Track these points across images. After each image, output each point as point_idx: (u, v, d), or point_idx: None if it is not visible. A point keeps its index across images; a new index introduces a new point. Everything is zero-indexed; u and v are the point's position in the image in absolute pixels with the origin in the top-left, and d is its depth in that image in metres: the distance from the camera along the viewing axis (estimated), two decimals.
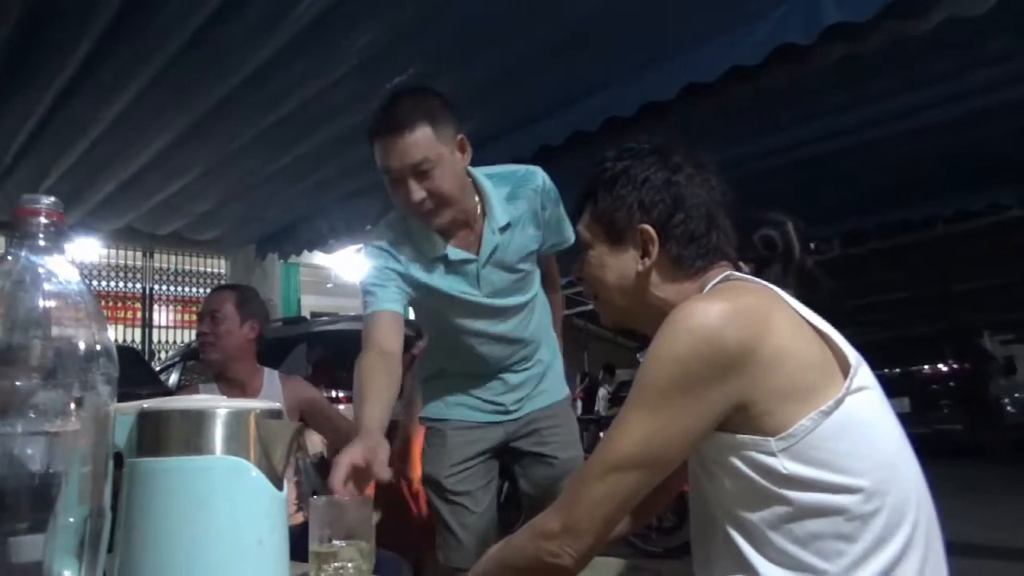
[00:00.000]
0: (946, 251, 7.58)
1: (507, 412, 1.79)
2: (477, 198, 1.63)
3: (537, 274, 1.80)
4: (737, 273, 0.97)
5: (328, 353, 4.62)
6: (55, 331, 0.47)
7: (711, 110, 3.63)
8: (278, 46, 3.14)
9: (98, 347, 0.48)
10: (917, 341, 9.27)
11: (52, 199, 0.50)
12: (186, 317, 7.86)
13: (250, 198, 5.20)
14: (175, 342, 7.71)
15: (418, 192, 1.47)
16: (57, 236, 0.49)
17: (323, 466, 2.89)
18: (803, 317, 0.89)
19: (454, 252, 1.62)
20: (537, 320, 1.81)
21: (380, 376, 1.47)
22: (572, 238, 1.76)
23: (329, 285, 9.05)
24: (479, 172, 1.66)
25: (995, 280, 9.61)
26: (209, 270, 7.82)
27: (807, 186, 5.20)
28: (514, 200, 1.66)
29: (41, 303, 0.47)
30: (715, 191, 1.00)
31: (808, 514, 0.81)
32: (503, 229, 1.63)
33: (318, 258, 7.60)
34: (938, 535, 0.87)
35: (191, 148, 4.25)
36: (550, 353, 1.87)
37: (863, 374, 0.87)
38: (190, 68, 3.35)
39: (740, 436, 0.84)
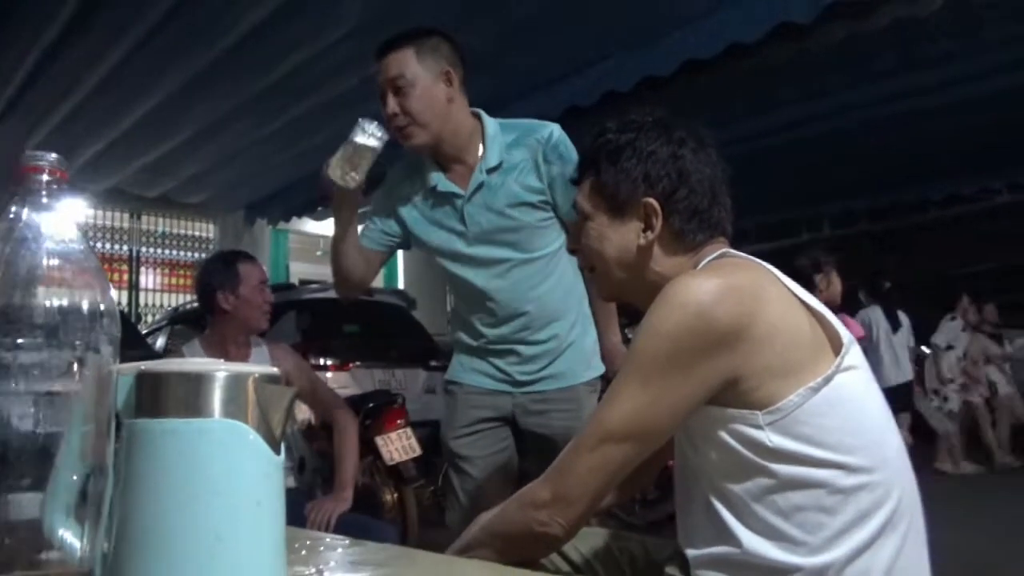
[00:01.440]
0: (936, 235, 7.63)
1: (516, 384, 1.77)
2: (482, 144, 1.72)
3: (545, 235, 1.75)
4: (732, 250, 0.98)
5: (318, 320, 4.62)
6: (58, 290, 0.47)
7: (709, 87, 3.61)
8: (271, 9, 3.10)
9: (101, 307, 0.48)
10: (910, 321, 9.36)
11: (55, 156, 0.49)
12: (173, 281, 7.80)
13: (240, 162, 5.15)
14: (162, 306, 7.67)
15: (392, 106, 1.64)
16: (60, 194, 0.49)
17: (310, 434, 2.91)
18: (795, 295, 0.90)
19: (443, 184, 1.73)
20: (551, 287, 1.76)
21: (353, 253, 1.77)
22: None
23: (318, 253, 8.99)
24: (492, 119, 1.77)
25: (982, 265, 9.70)
26: (197, 234, 7.75)
27: (801, 167, 5.22)
28: (517, 147, 1.71)
29: (45, 261, 0.46)
30: (717, 166, 1.00)
31: (791, 486, 0.83)
32: (492, 170, 1.69)
33: (308, 225, 7.55)
34: (920, 514, 0.89)
35: (181, 110, 4.20)
36: (576, 330, 1.80)
37: (854, 353, 0.88)
38: (182, 28, 3.29)
39: (729, 410, 0.85)
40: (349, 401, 3.07)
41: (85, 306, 0.47)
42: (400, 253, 10.44)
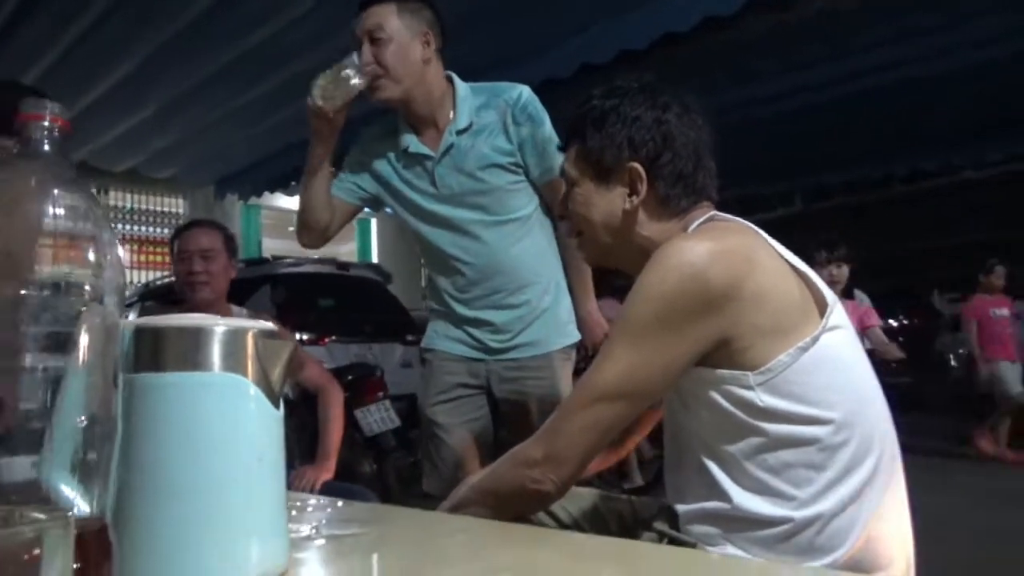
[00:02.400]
0: (902, 210, 7.77)
1: (490, 351, 1.79)
2: (453, 107, 1.75)
3: (517, 198, 1.76)
4: (721, 214, 0.99)
5: (293, 295, 4.58)
6: (63, 239, 0.46)
7: (686, 60, 3.61)
8: None
9: (107, 256, 0.48)
10: (871, 297, 9.57)
11: (57, 104, 0.48)
12: (142, 258, 7.67)
13: (210, 136, 5.04)
14: (131, 282, 7.55)
15: (367, 55, 1.66)
16: (62, 142, 0.49)
17: (289, 407, 2.90)
18: (784, 258, 0.92)
19: (415, 145, 1.77)
20: (520, 251, 1.77)
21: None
22: None
23: (291, 228, 8.88)
24: (463, 83, 1.79)
25: (946, 240, 9.90)
26: (166, 210, 7.62)
27: (774, 141, 5.26)
28: (486, 109, 1.74)
29: (50, 210, 0.46)
30: (702, 131, 1.02)
31: (782, 445, 0.85)
32: (462, 131, 1.72)
33: (280, 200, 7.46)
34: (899, 467, 0.92)
35: (149, 80, 4.09)
36: (549, 297, 1.81)
37: (838, 313, 0.90)
38: None
39: (720, 371, 0.87)
40: None
41: (91, 256, 0.47)
42: (374, 227, 10.34)
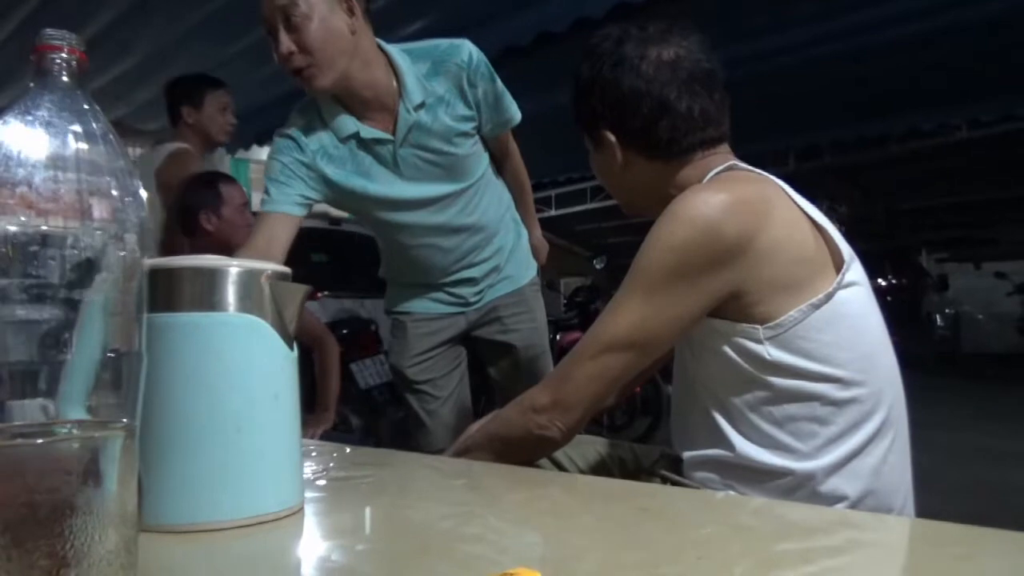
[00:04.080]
0: (894, 170, 7.76)
1: (468, 304, 1.78)
2: (395, 79, 1.53)
3: (477, 157, 1.67)
4: (741, 163, 0.98)
5: None
6: (86, 173, 0.46)
7: (680, 15, 3.56)
8: None
9: (131, 189, 0.47)
10: (861, 256, 9.65)
11: (74, 35, 0.47)
12: None
13: None
14: None
15: (286, 43, 1.39)
16: (80, 74, 0.48)
17: None
18: (802, 210, 0.91)
19: (367, 131, 1.53)
20: (486, 205, 1.71)
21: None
22: (517, 116, 1.68)
23: None
24: (395, 48, 1.56)
25: (936, 200, 9.93)
26: None
27: (767, 98, 5.21)
28: (435, 77, 1.54)
29: (72, 144, 0.45)
30: (667, 68, 0.96)
31: (786, 398, 0.86)
32: (418, 107, 1.53)
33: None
34: (905, 426, 0.93)
35: (135, 27, 4.00)
36: (512, 236, 1.80)
37: (855, 269, 0.90)
38: None
39: (730, 323, 0.87)
40: None
41: (115, 192, 0.46)
42: None
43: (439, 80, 1.54)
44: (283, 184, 1.52)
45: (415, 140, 1.55)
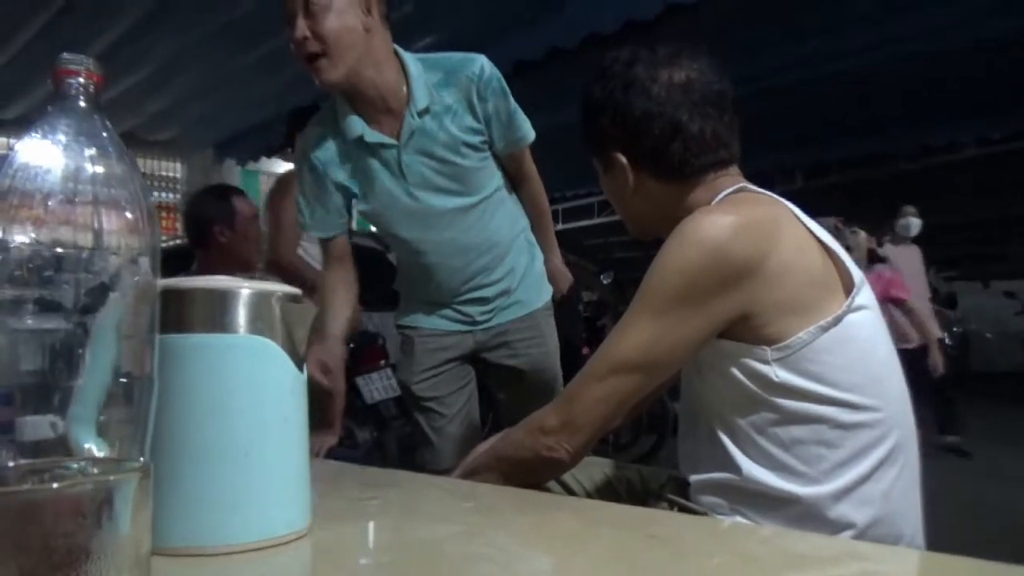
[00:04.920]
0: (903, 187, 7.75)
1: (475, 323, 1.76)
2: (405, 85, 1.56)
3: (488, 174, 1.68)
4: (750, 185, 0.98)
5: None
6: (102, 196, 0.46)
7: (689, 31, 3.58)
8: None
9: (145, 213, 0.47)
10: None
11: (91, 59, 0.48)
12: None
13: (209, 99, 4.99)
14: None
15: (302, 28, 1.43)
16: (97, 98, 0.48)
17: None
18: (811, 232, 0.91)
19: (370, 134, 1.56)
20: (497, 224, 1.70)
21: (344, 291, 1.74)
22: (530, 136, 1.68)
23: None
24: (411, 55, 1.59)
25: (944, 218, 9.89)
26: (164, 173, 7.55)
27: (774, 115, 5.21)
28: (446, 87, 1.57)
29: (89, 168, 0.46)
30: (679, 91, 0.97)
31: (794, 420, 0.86)
32: (422, 113, 1.55)
33: (279, 166, 7.39)
34: (915, 452, 0.92)
35: (148, 40, 4.04)
36: (526, 259, 1.78)
37: (865, 293, 0.90)
38: None
39: (738, 344, 0.87)
40: None
41: (127, 214, 0.47)
42: None
43: (449, 90, 1.56)
44: (314, 207, 1.65)
45: (419, 146, 1.57)
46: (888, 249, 5.03)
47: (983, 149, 6.50)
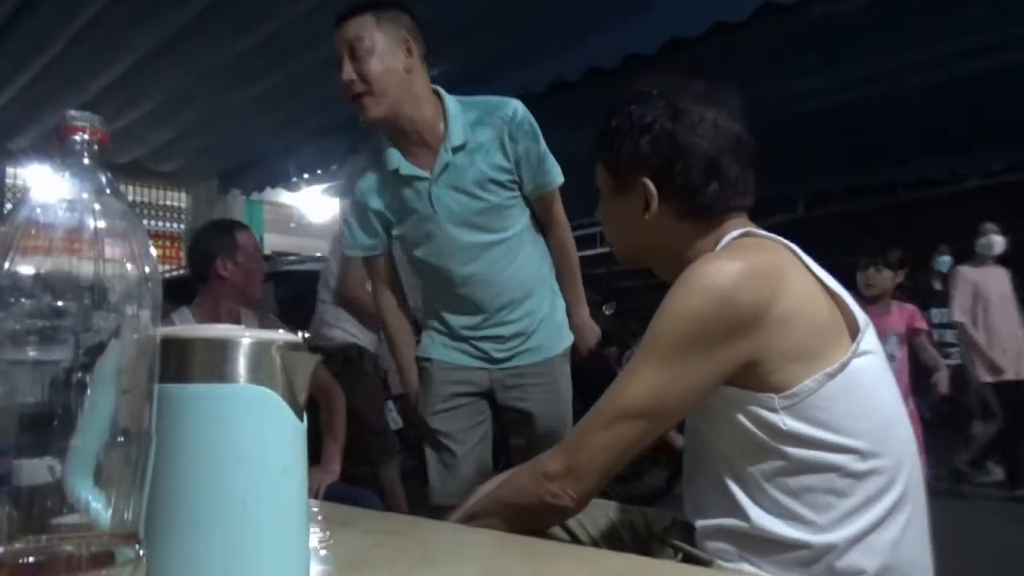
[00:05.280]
0: (904, 217, 7.77)
1: (492, 361, 1.78)
2: (443, 122, 1.68)
3: (514, 213, 1.75)
4: (756, 229, 0.97)
5: (295, 292, 4.57)
6: (105, 253, 0.46)
7: (691, 66, 3.61)
8: None
9: (146, 269, 0.47)
10: (872, 301, 9.56)
11: (96, 116, 0.48)
12: None
13: (214, 129, 5.03)
14: None
15: (349, 71, 1.59)
16: (101, 155, 0.48)
17: None
18: (817, 277, 0.90)
19: (406, 167, 1.69)
20: (521, 264, 1.76)
21: (401, 321, 1.92)
22: (558, 180, 1.74)
23: (292, 224, 8.87)
24: (450, 96, 1.71)
25: (949, 248, 9.88)
26: (168, 203, 7.60)
27: (777, 145, 5.25)
28: (480, 126, 1.68)
29: (91, 223, 0.46)
30: (721, 133, 0.97)
31: (803, 469, 0.84)
32: (456, 149, 1.66)
33: (283, 196, 7.45)
34: (923, 498, 0.91)
35: (154, 73, 4.08)
36: (547, 305, 1.82)
37: (869, 338, 0.89)
38: None
39: (745, 392, 0.86)
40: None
41: (129, 269, 0.46)
42: None
43: (483, 129, 1.68)
44: (355, 230, 1.81)
45: (449, 180, 1.68)
46: (968, 272, 4.73)
47: (984, 180, 6.54)
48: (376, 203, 1.76)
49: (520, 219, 1.77)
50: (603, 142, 1.04)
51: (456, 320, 1.78)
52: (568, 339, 1.88)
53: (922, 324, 3.72)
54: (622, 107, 1.02)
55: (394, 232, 1.79)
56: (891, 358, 3.28)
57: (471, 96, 1.74)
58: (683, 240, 0.99)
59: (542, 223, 1.84)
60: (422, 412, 1.82)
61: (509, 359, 1.78)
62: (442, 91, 1.71)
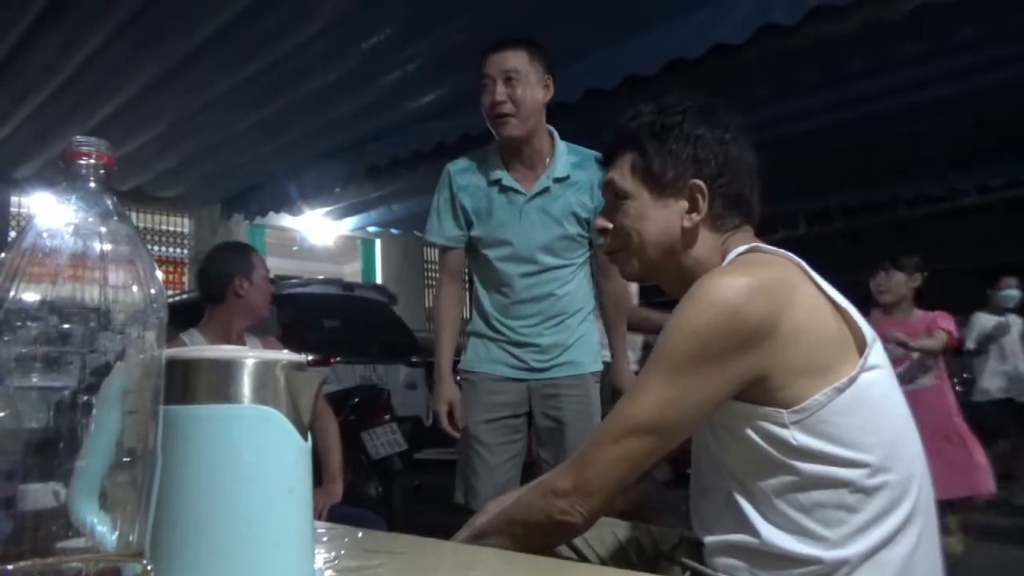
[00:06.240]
0: (905, 234, 7.78)
1: (531, 370, 1.94)
2: (550, 155, 1.96)
3: (579, 247, 2.00)
4: (763, 244, 0.97)
5: (299, 315, 4.58)
6: (111, 276, 0.46)
7: (689, 84, 3.63)
8: (248, 1, 3.06)
9: (152, 291, 0.48)
10: (890, 309, 9.54)
11: (102, 141, 0.49)
12: None
13: (217, 156, 5.07)
14: None
15: (501, 93, 1.86)
16: (107, 179, 0.49)
17: None
18: (824, 292, 0.90)
19: (507, 180, 1.95)
20: (572, 290, 1.98)
21: (454, 308, 2.08)
22: None
23: (295, 248, 8.91)
24: (558, 136, 2.00)
25: (944, 265, 9.89)
26: (172, 228, 7.64)
27: (777, 164, 5.26)
28: (579, 168, 1.96)
29: (98, 247, 0.46)
30: (751, 153, 1.01)
31: (814, 484, 0.84)
32: (558, 179, 1.94)
33: (285, 220, 7.47)
34: (934, 512, 0.90)
35: (158, 101, 4.12)
36: (585, 327, 2.01)
37: (877, 352, 0.89)
38: (159, 17, 3.24)
39: (754, 407, 0.86)
40: (335, 396, 3.05)
41: (135, 291, 0.47)
42: (378, 247, 10.34)
43: (581, 171, 1.96)
44: (445, 218, 2.02)
45: (541, 202, 1.94)
46: (984, 319, 4.96)
47: (983, 197, 6.55)
48: (467, 201, 1.98)
49: (583, 255, 2.02)
50: (647, 142, 1.01)
51: (504, 323, 1.95)
52: (599, 364, 2.05)
53: (947, 324, 3.49)
54: (660, 113, 1.01)
55: (473, 233, 2.00)
56: (919, 369, 3.23)
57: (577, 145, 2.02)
58: (706, 249, 0.98)
59: (600, 269, 2.06)
60: (467, 419, 1.94)
61: (546, 370, 1.95)
62: (553, 130, 2.01)
